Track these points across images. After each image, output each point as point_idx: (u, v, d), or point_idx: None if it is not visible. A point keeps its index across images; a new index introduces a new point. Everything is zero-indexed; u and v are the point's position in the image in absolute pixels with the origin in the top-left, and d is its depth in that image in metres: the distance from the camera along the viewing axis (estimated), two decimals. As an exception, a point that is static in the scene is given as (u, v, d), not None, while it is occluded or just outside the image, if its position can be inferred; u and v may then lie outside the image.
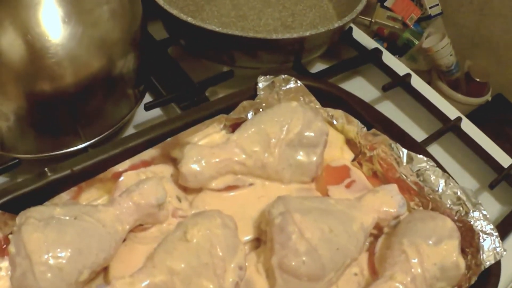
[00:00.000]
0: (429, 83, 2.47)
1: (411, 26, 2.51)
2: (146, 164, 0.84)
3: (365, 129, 0.91)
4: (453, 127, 1.11)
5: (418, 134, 1.07)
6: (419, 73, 2.46)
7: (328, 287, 0.75)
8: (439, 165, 0.87)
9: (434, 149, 1.12)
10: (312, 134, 0.84)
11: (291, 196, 0.78)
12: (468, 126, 1.15)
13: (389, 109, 1.17)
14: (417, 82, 1.20)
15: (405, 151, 0.87)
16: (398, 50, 2.54)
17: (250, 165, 0.83)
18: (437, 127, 1.11)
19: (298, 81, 0.94)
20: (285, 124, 0.84)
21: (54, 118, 0.89)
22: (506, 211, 1.01)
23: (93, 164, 0.80)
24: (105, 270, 0.74)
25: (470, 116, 2.44)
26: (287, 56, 1.11)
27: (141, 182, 0.76)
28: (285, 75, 0.93)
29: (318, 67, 1.21)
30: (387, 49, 2.46)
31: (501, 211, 1.03)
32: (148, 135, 0.85)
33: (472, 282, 0.78)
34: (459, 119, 1.11)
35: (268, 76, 0.93)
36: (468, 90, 2.51)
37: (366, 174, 0.90)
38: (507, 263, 0.90)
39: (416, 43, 2.48)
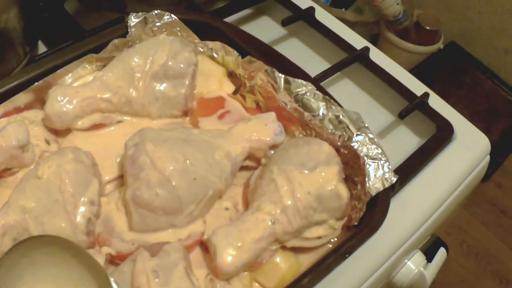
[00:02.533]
0: (378, 34, 2.46)
1: (356, -23, 2.47)
2: (19, 110, 0.81)
3: (240, 57, 0.86)
4: (360, 56, 1.05)
5: (325, 68, 1.02)
6: (367, 25, 2.46)
7: (191, 221, 0.70)
8: (319, 88, 0.82)
9: (344, 82, 1.07)
10: (179, 65, 0.80)
11: (151, 128, 0.73)
12: (378, 56, 1.08)
13: (294, 46, 1.12)
14: (322, 15, 1.14)
15: (281, 76, 0.82)
16: (344, 3, 2.49)
17: (116, 101, 0.79)
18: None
19: (173, 16, 0.89)
20: (150, 56, 0.79)
21: None
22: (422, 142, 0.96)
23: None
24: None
25: (423, 65, 2.46)
26: (180, -4, 1.06)
27: (4, 126, 0.73)
28: (159, 11, 0.89)
29: (216, 6, 1.15)
30: (332, 2, 2.44)
31: (419, 143, 0.97)
32: (16, 80, 0.81)
33: (362, 213, 0.73)
34: (366, 49, 1.05)
35: (140, 12, 0.88)
36: (419, 39, 2.47)
37: (249, 106, 0.85)
38: (422, 195, 0.88)
39: (362, -6, 2.43)
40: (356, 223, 0.74)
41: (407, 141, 0.99)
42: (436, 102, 1.02)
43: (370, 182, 0.74)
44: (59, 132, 0.80)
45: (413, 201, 0.88)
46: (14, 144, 0.71)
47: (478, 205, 2.40)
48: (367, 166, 0.74)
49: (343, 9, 2.46)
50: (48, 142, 0.79)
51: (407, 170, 0.89)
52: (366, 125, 0.78)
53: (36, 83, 0.80)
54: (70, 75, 0.84)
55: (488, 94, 2.55)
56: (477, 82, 2.58)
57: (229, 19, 1.10)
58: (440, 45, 2.53)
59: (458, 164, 0.95)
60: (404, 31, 2.44)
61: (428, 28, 2.46)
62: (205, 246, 0.70)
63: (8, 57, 0.94)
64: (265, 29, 1.15)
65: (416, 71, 2.43)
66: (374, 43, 2.55)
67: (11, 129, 0.72)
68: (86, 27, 1.06)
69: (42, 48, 1.04)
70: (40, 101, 0.82)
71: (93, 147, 0.76)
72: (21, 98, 0.80)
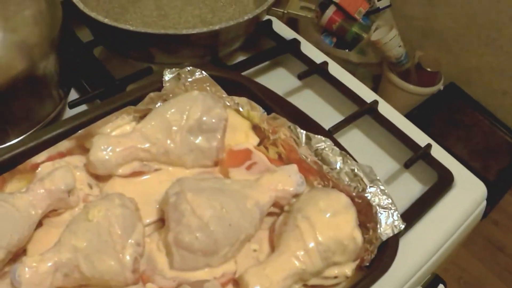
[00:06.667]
0: (380, 75, 2.54)
1: (360, 19, 2.54)
2: (62, 155, 0.88)
3: (266, 113, 0.95)
4: (370, 109, 1.14)
5: (337, 119, 1.11)
6: (370, 66, 2.55)
7: (224, 261, 0.79)
8: (336, 144, 0.91)
9: (354, 133, 1.16)
10: (211, 120, 0.88)
11: (188, 178, 0.83)
12: (385, 108, 1.18)
13: (308, 97, 1.21)
14: (335, 69, 1.24)
15: (303, 132, 0.91)
16: (348, 44, 2.57)
17: (154, 152, 0.88)
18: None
19: (203, 72, 0.97)
20: (185, 111, 0.88)
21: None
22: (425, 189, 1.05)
23: (12, 156, 0.84)
24: (24, 252, 0.79)
25: (424, 106, 2.54)
26: (205, 50, 1.15)
27: (52, 171, 0.81)
28: (191, 67, 0.97)
29: (238, 59, 1.25)
30: (336, 44, 2.53)
31: (422, 190, 1.06)
32: (62, 127, 0.89)
33: (373, 255, 0.82)
34: (375, 102, 1.15)
35: (174, 69, 0.97)
36: (420, 80, 2.55)
37: (272, 157, 0.94)
38: (425, 238, 0.98)
39: (365, 36, 2.51)
40: (367, 264, 0.83)
41: (411, 188, 1.08)
42: (438, 152, 1.12)
43: (381, 228, 0.83)
44: (100, 177, 0.88)
45: (416, 243, 0.97)
46: (62, 188, 0.79)
47: (475, 243, 2.47)
48: (379, 214, 0.84)
49: (347, 50, 2.55)
50: (90, 186, 0.86)
51: (412, 216, 0.98)
52: (378, 177, 0.87)
53: (79, 131, 0.88)
54: (110, 124, 0.92)
55: (486, 134, 2.64)
56: (476, 122, 2.66)
57: (248, 71, 1.20)
58: (440, 86, 2.61)
59: (457, 209, 1.05)
60: (405, 73, 2.53)
61: (428, 69, 2.55)
62: (236, 283, 0.79)
63: (46, 103, 1.03)
64: (281, 80, 1.24)
65: (417, 112, 2.52)
66: (377, 84, 2.66)
67: (59, 175, 0.80)
68: (112, 73, 1.15)
69: (73, 94, 1.13)
70: (80, 147, 0.90)
71: (132, 192, 0.84)
72: (64, 144, 0.88)
